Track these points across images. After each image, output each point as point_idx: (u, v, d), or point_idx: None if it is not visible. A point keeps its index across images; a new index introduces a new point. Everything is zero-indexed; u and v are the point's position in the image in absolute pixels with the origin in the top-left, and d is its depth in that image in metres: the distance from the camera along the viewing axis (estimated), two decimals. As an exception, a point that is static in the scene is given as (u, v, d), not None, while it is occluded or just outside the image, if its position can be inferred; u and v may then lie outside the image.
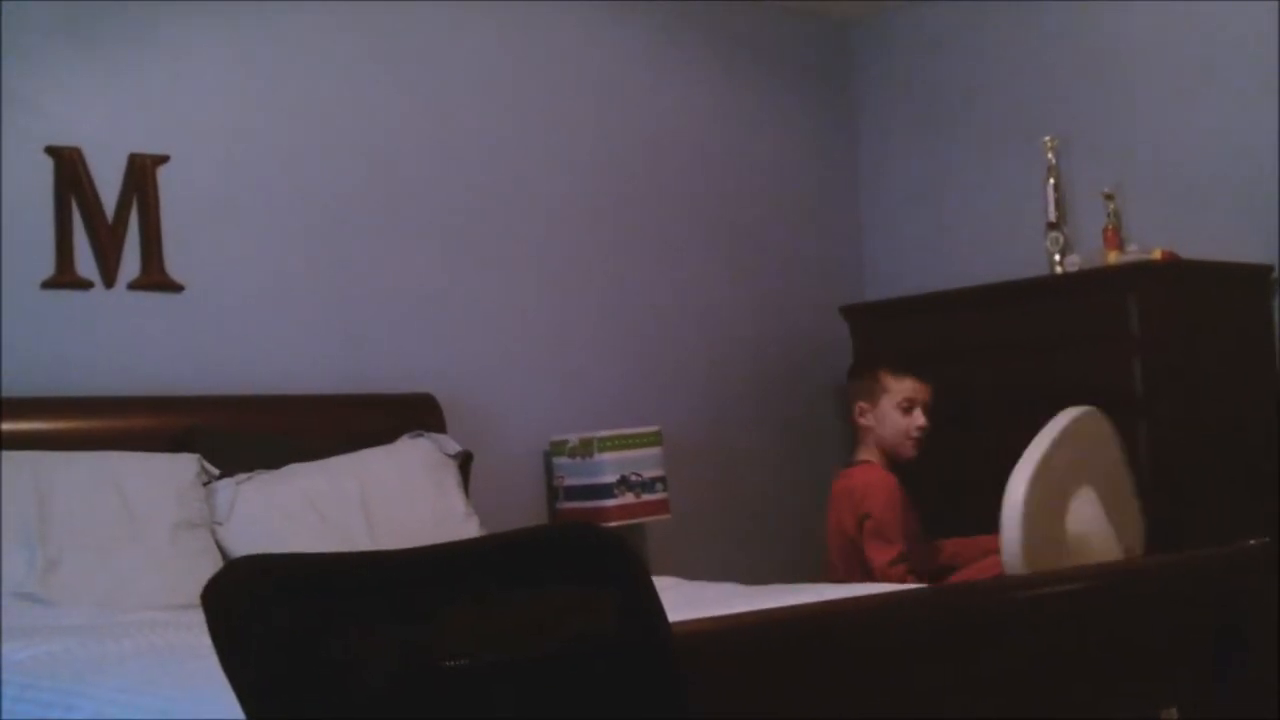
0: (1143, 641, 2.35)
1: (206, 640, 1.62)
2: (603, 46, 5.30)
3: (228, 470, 3.88)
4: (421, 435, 4.33)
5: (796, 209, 5.84)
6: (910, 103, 5.90)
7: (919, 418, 4.21)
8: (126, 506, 3.61)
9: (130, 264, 4.12)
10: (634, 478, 4.69)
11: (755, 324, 5.60)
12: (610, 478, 4.66)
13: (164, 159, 4.19)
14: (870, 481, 4.19)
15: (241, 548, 3.64)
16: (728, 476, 5.42)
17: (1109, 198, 5.03)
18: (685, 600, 2.74)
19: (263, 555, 1.64)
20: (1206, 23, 5.00)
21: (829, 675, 1.88)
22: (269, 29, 4.48)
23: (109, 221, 4.08)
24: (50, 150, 4.00)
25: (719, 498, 5.36)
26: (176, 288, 4.20)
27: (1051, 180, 5.16)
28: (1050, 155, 5.18)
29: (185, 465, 3.83)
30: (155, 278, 4.16)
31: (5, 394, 3.75)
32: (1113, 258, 4.91)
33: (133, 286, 4.12)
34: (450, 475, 4.27)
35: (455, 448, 4.35)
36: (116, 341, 4.08)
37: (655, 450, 4.78)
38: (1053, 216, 5.13)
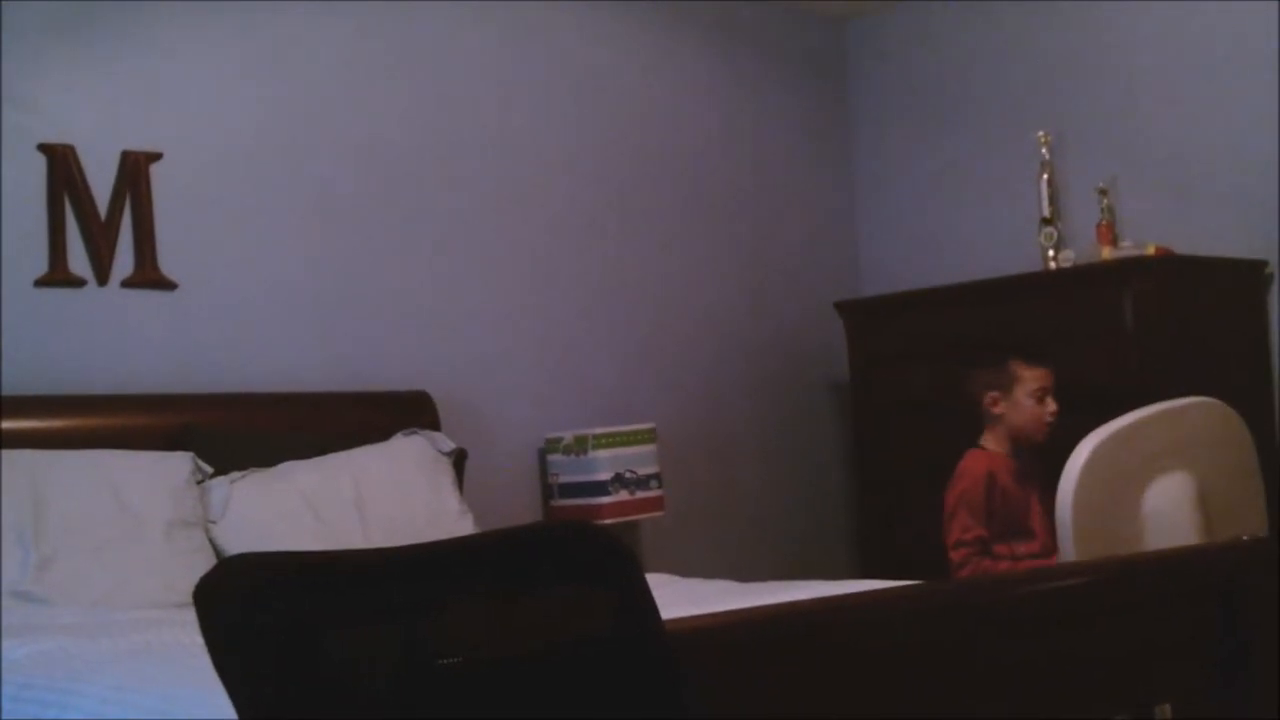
0: (1138, 637, 2.35)
1: (201, 639, 1.62)
2: (600, 45, 5.30)
3: (222, 468, 3.88)
4: (416, 433, 4.33)
5: (792, 205, 5.84)
6: (905, 98, 5.90)
7: (1051, 404, 4.25)
8: (121, 505, 3.61)
9: (124, 262, 4.11)
10: (628, 475, 4.69)
11: (750, 320, 5.60)
12: (605, 475, 4.66)
13: (157, 156, 4.18)
14: (967, 467, 4.27)
15: (236, 546, 3.63)
16: (722, 473, 5.42)
17: (1103, 193, 5.03)
18: (679, 597, 2.74)
19: (256, 554, 1.63)
20: (1202, 18, 5.00)
21: (824, 673, 1.88)
22: (263, 26, 4.47)
23: (102, 219, 4.07)
24: (43, 148, 3.99)
25: (713, 495, 5.36)
26: (170, 285, 4.20)
27: (1046, 175, 5.17)
28: (1044, 150, 5.19)
29: (179, 464, 3.82)
30: (149, 275, 4.15)
31: (-1, 392, 3.75)
32: (1107, 253, 4.91)
33: (126, 284, 4.11)
34: (444, 473, 4.27)
35: (449, 445, 4.35)
36: (110, 340, 4.07)
37: (650, 447, 4.78)
38: (1047, 212, 5.13)
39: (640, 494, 4.72)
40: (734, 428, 5.49)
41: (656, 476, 4.77)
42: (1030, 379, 4.26)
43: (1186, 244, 4.79)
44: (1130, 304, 4.63)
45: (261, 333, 4.36)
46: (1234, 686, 2.45)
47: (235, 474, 3.87)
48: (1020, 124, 5.37)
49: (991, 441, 4.33)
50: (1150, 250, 4.76)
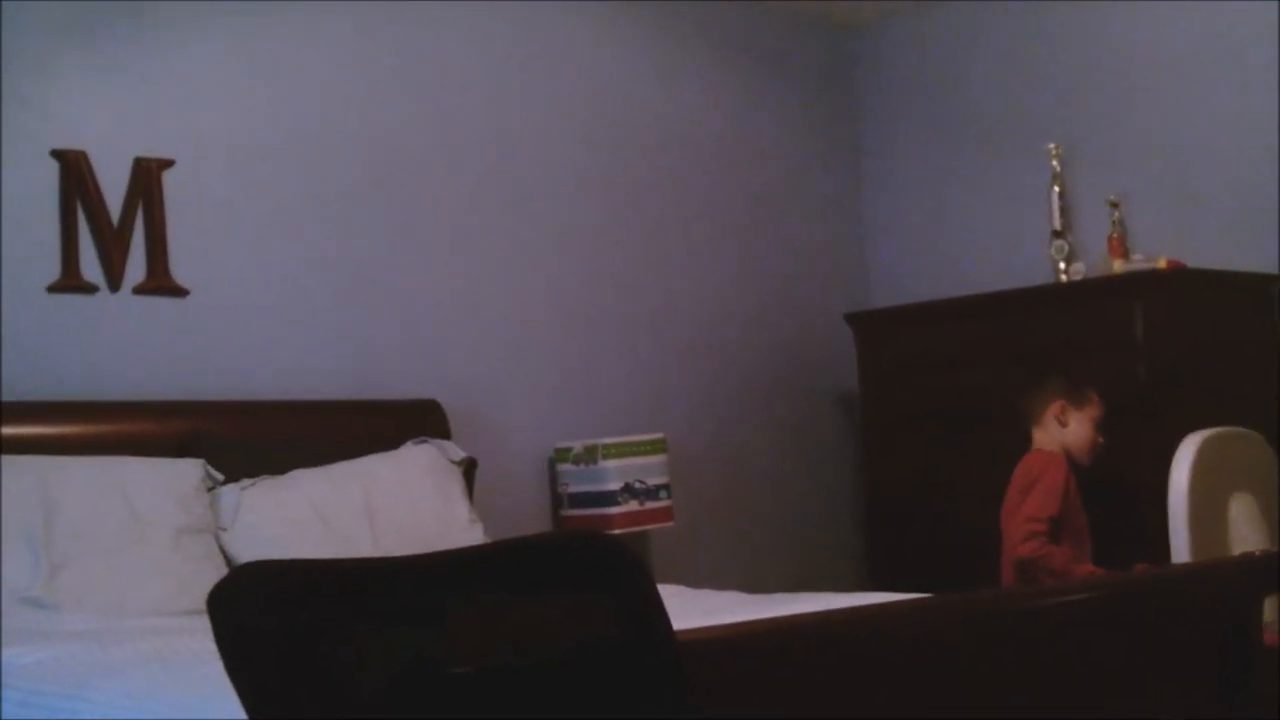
0: (1146, 653, 2.35)
1: (211, 646, 1.62)
2: (608, 53, 5.31)
3: (232, 476, 3.88)
4: (426, 441, 4.33)
5: (801, 216, 5.84)
6: (915, 109, 5.90)
7: (1099, 435, 4.44)
8: (131, 511, 3.61)
9: (135, 268, 4.12)
10: (638, 485, 4.69)
11: (760, 331, 5.60)
12: (614, 485, 4.66)
13: (169, 163, 4.19)
14: (1049, 461, 4.38)
15: (245, 553, 3.64)
16: (732, 484, 5.42)
17: (1114, 206, 5.03)
18: (689, 608, 2.74)
19: (268, 561, 1.64)
20: (1212, 32, 5.00)
21: (833, 684, 1.88)
22: (275, 34, 4.48)
23: (114, 225, 4.08)
24: (56, 154, 4.00)
25: (723, 505, 5.36)
26: (181, 292, 4.20)
27: (1056, 188, 5.16)
28: (1055, 163, 5.18)
29: (190, 470, 3.82)
30: (160, 282, 4.16)
31: (10, 398, 3.75)
32: (1118, 266, 4.91)
33: (138, 291, 4.12)
34: (454, 482, 4.27)
35: (459, 454, 4.35)
36: (121, 346, 4.08)
37: (660, 457, 4.78)
38: (1058, 224, 5.13)
39: (650, 504, 4.71)
40: (744, 438, 5.49)
41: (666, 487, 4.77)
42: (1096, 406, 4.43)
43: (1198, 257, 4.78)
44: (1141, 317, 4.63)
45: (273, 340, 4.37)
46: (1241, 703, 2.44)
47: (246, 481, 3.88)
48: (1031, 136, 5.37)
49: (1049, 444, 4.45)
50: (1161, 264, 4.75)
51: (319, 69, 4.57)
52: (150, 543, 3.59)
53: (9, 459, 3.54)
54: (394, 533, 3.93)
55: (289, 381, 4.33)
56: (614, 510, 4.64)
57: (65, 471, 3.60)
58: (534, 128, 5.06)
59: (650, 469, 4.74)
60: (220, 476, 3.87)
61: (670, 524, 4.81)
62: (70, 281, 4.01)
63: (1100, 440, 4.45)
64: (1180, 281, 4.71)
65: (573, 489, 4.77)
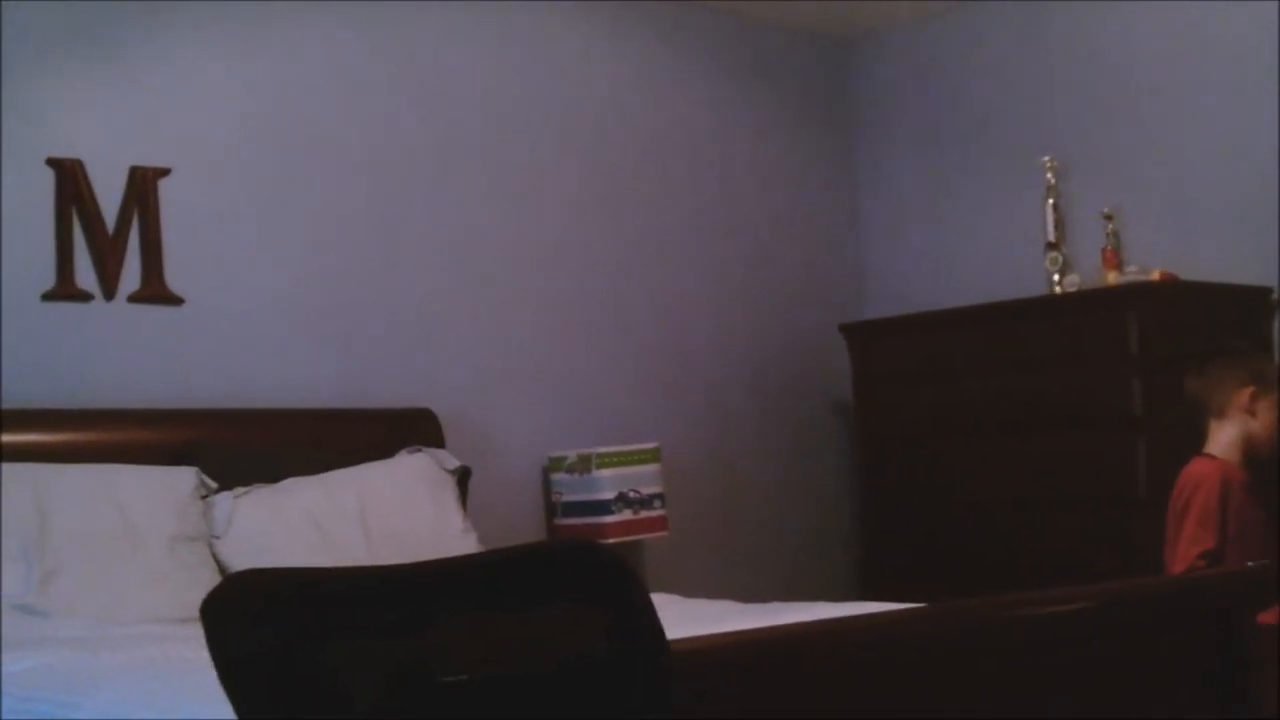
0: (1142, 663, 2.35)
1: (204, 654, 1.62)
2: (605, 64, 5.31)
3: (226, 484, 3.88)
4: (420, 450, 4.33)
5: (797, 227, 5.84)
6: (910, 122, 5.91)
7: None
8: (125, 519, 3.61)
9: (130, 276, 4.12)
10: (632, 494, 4.69)
11: (754, 341, 5.60)
12: (608, 494, 4.66)
13: (165, 172, 4.20)
14: (1205, 472, 3.97)
15: (239, 562, 3.63)
16: (726, 493, 5.42)
17: (1108, 218, 5.03)
18: (683, 618, 2.74)
19: (261, 570, 1.64)
20: (1207, 44, 5.01)
21: (827, 694, 1.88)
22: (270, 43, 4.49)
23: (109, 234, 4.08)
24: (51, 162, 4.00)
25: (717, 515, 5.36)
26: (176, 301, 4.20)
27: (1051, 200, 5.17)
28: (1050, 175, 5.19)
29: (184, 479, 3.82)
30: (155, 290, 4.16)
31: (5, 406, 3.75)
32: (1112, 278, 4.91)
33: (133, 299, 4.12)
34: (448, 490, 4.27)
35: (454, 463, 4.35)
36: (116, 354, 4.08)
37: (654, 467, 4.78)
38: (1052, 236, 5.13)
39: (644, 513, 4.71)
40: (738, 448, 5.49)
41: (660, 496, 4.77)
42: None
43: (1191, 270, 4.79)
44: (1135, 329, 4.63)
45: (267, 348, 4.37)
46: (1234, 712, 2.45)
47: (239, 489, 3.87)
48: (1025, 149, 5.37)
49: (1215, 446, 4.05)
50: (1155, 276, 4.75)
51: (313, 79, 4.57)
52: (144, 550, 3.59)
53: (3, 466, 3.54)
54: (388, 541, 3.93)
55: (283, 390, 4.33)
56: (608, 519, 4.64)
57: (59, 479, 3.60)
58: (530, 139, 5.06)
59: (644, 478, 4.74)
60: (214, 484, 3.87)
61: (664, 533, 4.80)
62: (65, 290, 4.01)
63: None
64: (1174, 294, 4.71)
65: (567, 498, 4.77)
